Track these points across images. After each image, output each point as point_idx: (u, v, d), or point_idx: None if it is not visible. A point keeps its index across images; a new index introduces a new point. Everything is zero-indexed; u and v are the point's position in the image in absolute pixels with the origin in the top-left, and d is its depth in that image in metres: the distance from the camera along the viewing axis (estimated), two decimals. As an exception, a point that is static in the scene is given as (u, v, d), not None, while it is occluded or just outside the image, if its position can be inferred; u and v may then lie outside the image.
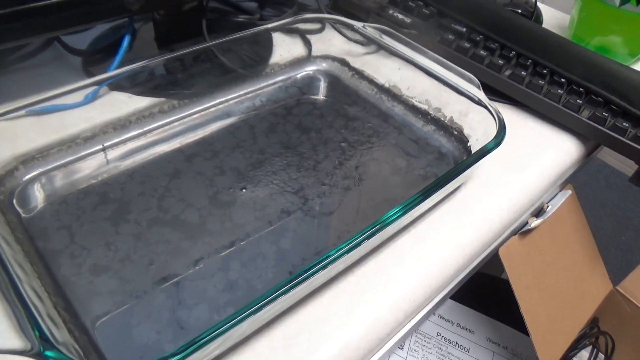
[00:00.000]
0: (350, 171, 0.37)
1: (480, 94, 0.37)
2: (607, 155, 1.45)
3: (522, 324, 0.42)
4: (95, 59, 0.46)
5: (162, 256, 0.30)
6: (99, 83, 0.36)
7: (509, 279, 0.39)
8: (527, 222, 0.41)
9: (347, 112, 0.43)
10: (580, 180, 1.38)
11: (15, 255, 0.27)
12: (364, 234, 0.26)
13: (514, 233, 0.41)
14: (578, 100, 0.43)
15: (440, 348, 0.48)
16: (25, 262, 0.27)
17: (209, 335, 0.21)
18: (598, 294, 0.50)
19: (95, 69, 0.44)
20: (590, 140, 0.44)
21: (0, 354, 0.20)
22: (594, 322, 0.53)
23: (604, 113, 0.42)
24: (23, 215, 0.31)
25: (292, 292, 0.24)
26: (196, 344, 0.21)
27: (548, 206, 0.43)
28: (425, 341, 0.48)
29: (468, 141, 0.39)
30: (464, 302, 0.52)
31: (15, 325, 0.21)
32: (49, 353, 0.20)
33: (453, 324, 0.50)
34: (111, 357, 0.25)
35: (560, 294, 0.44)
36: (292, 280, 0.24)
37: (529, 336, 0.42)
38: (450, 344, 0.49)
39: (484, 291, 0.55)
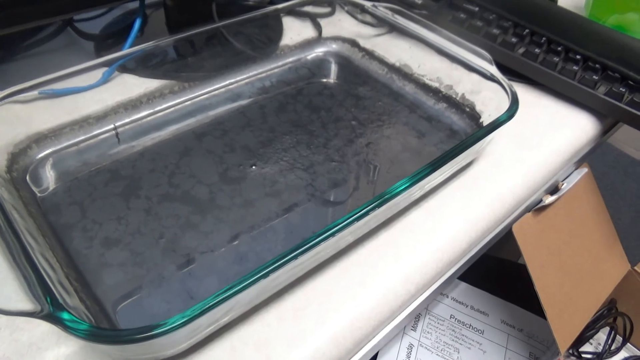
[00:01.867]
0: (360, 148, 0.37)
1: (492, 69, 0.37)
2: (626, 145, 1.42)
3: (538, 307, 0.41)
4: (107, 43, 0.46)
5: (172, 230, 0.30)
6: (110, 63, 0.36)
7: (523, 257, 0.38)
8: (541, 200, 0.40)
9: (358, 92, 0.42)
10: (598, 170, 1.35)
11: (28, 227, 0.27)
12: (371, 203, 0.26)
13: (527, 210, 0.40)
14: (594, 77, 0.42)
15: (453, 330, 0.47)
16: (38, 235, 0.28)
17: (217, 298, 0.21)
18: (615, 274, 0.49)
19: (107, 54, 0.44)
20: (607, 117, 0.43)
21: (10, 315, 0.21)
22: (611, 303, 0.52)
23: (621, 89, 0.41)
24: (36, 191, 0.32)
25: (301, 259, 0.24)
26: (204, 306, 0.21)
27: (563, 184, 0.42)
28: (438, 323, 0.48)
29: (480, 117, 0.38)
30: (478, 286, 0.51)
31: (27, 291, 0.21)
32: (61, 314, 0.20)
33: (467, 306, 0.50)
34: (122, 325, 0.25)
35: (577, 273, 0.44)
36: (301, 246, 0.24)
37: (544, 318, 0.41)
38: (464, 326, 0.48)
39: (499, 275, 0.54)
